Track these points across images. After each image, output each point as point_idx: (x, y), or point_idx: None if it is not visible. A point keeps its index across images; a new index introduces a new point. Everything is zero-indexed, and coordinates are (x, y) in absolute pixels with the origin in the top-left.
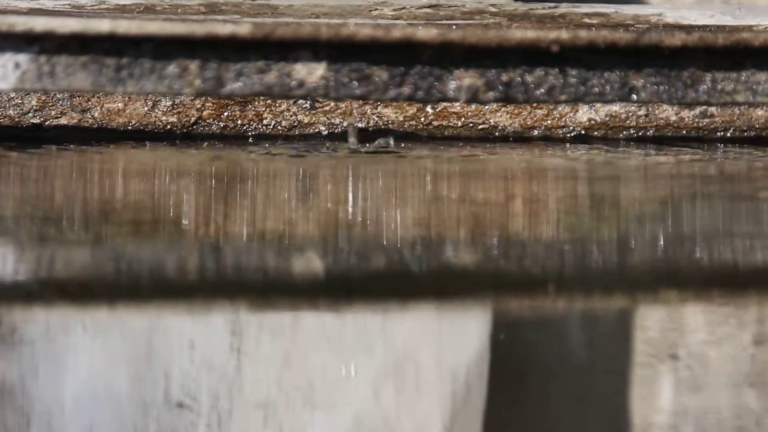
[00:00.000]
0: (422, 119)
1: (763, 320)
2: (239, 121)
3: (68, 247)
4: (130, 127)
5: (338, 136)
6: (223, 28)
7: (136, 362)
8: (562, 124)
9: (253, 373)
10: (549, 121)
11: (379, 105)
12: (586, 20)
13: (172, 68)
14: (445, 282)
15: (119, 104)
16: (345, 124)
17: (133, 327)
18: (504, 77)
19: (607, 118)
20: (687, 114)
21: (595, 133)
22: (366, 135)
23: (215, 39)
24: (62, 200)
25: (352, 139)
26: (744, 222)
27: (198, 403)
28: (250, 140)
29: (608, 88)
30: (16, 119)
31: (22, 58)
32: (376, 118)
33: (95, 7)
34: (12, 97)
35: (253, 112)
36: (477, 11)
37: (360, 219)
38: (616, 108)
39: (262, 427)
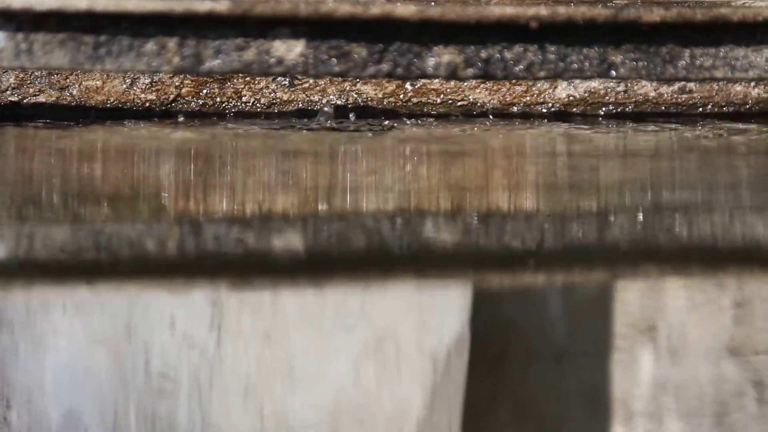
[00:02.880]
0: (401, 96)
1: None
2: (218, 99)
3: (47, 226)
4: (108, 105)
5: (316, 113)
6: (201, 5)
7: (116, 341)
8: (541, 100)
9: (234, 351)
10: (528, 98)
11: (359, 82)
12: None
13: (150, 46)
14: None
15: (98, 82)
16: (324, 101)
17: (112, 305)
18: (483, 54)
19: (586, 95)
20: (666, 90)
21: (574, 109)
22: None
23: (194, 16)
24: (41, 178)
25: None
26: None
27: (178, 379)
28: (229, 118)
29: (587, 64)
30: None
31: (0, 35)
32: (356, 95)
33: None
34: None
35: (232, 90)
36: None
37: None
38: (595, 84)
39: (242, 405)
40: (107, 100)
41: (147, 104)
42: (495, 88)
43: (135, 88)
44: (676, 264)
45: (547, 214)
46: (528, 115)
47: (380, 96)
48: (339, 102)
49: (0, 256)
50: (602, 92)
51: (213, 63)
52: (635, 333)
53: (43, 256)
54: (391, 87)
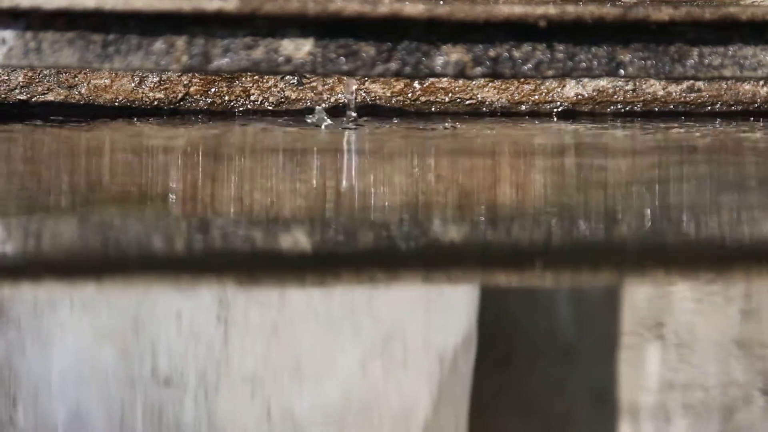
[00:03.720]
0: (410, 95)
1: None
2: (226, 97)
3: (55, 223)
4: (117, 103)
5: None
6: (210, 3)
7: (123, 337)
8: (550, 99)
9: (241, 348)
10: (536, 97)
11: (367, 81)
12: None
13: (159, 44)
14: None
15: (106, 80)
16: (332, 99)
17: (119, 302)
18: (491, 52)
19: (595, 93)
20: (674, 89)
21: (583, 108)
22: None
23: (202, 15)
24: (50, 176)
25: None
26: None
27: (185, 376)
28: (238, 116)
29: (595, 63)
30: (3, 95)
31: (8, 34)
32: (364, 94)
33: None
34: None
35: (241, 88)
36: None
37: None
38: (603, 83)
39: (249, 402)
40: (115, 98)
41: (155, 103)
42: (503, 86)
43: (143, 87)
44: (684, 263)
45: (555, 213)
46: (536, 114)
47: (388, 95)
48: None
49: (8, 253)
50: (611, 91)
51: (221, 62)
52: (643, 330)
53: (50, 253)
54: (399, 86)
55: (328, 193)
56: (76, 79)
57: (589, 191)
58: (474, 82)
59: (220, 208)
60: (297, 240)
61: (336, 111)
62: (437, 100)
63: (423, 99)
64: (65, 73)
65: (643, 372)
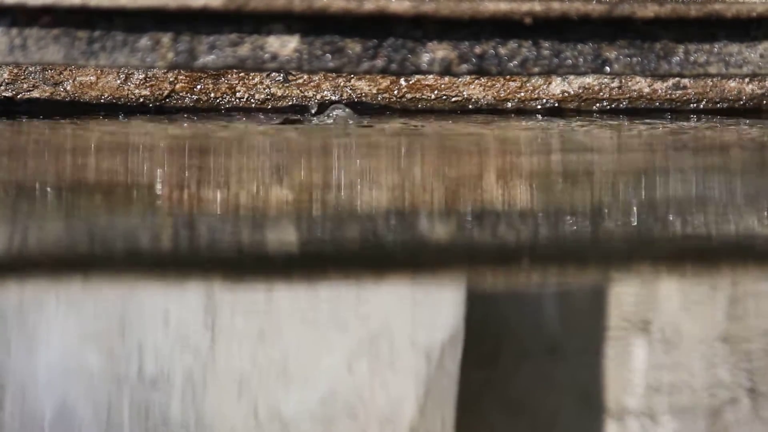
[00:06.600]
0: (396, 92)
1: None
2: (212, 94)
3: (41, 221)
4: (102, 101)
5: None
6: (195, 0)
7: (110, 336)
8: (536, 96)
9: (227, 347)
10: (522, 94)
11: (353, 78)
12: None
13: (144, 41)
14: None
15: (92, 77)
16: (318, 97)
17: (106, 300)
18: (477, 49)
19: (581, 91)
20: (660, 86)
21: (569, 105)
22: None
23: (188, 11)
24: (34, 172)
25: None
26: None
27: (172, 375)
28: (223, 113)
29: (581, 60)
30: None
31: None
32: (350, 91)
33: None
34: None
35: (227, 85)
36: None
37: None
38: (589, 80)
39: (236, 401)
40: (101, 95)
41: (141, 100)
42: (489, 84)
43: (129, 84)
44: (670, 259)
45: (541, 210)
46: (522, 111)
47: (374, 92)
48: (333, 98)
49: None
50: (596, 88)
51: (207, 58)
52: (629, 327)
53: (36, 250)
54: (385, 83)
55: (315, 189)
56: (62, 76)
57: (576, 186)
58: (460, 80)
59: (207, 205)
60: (283, 238)
61: (322, 108)
62: (423, 97)
63: (409, 96)
64: (51, 70)
65: (629, 368)
